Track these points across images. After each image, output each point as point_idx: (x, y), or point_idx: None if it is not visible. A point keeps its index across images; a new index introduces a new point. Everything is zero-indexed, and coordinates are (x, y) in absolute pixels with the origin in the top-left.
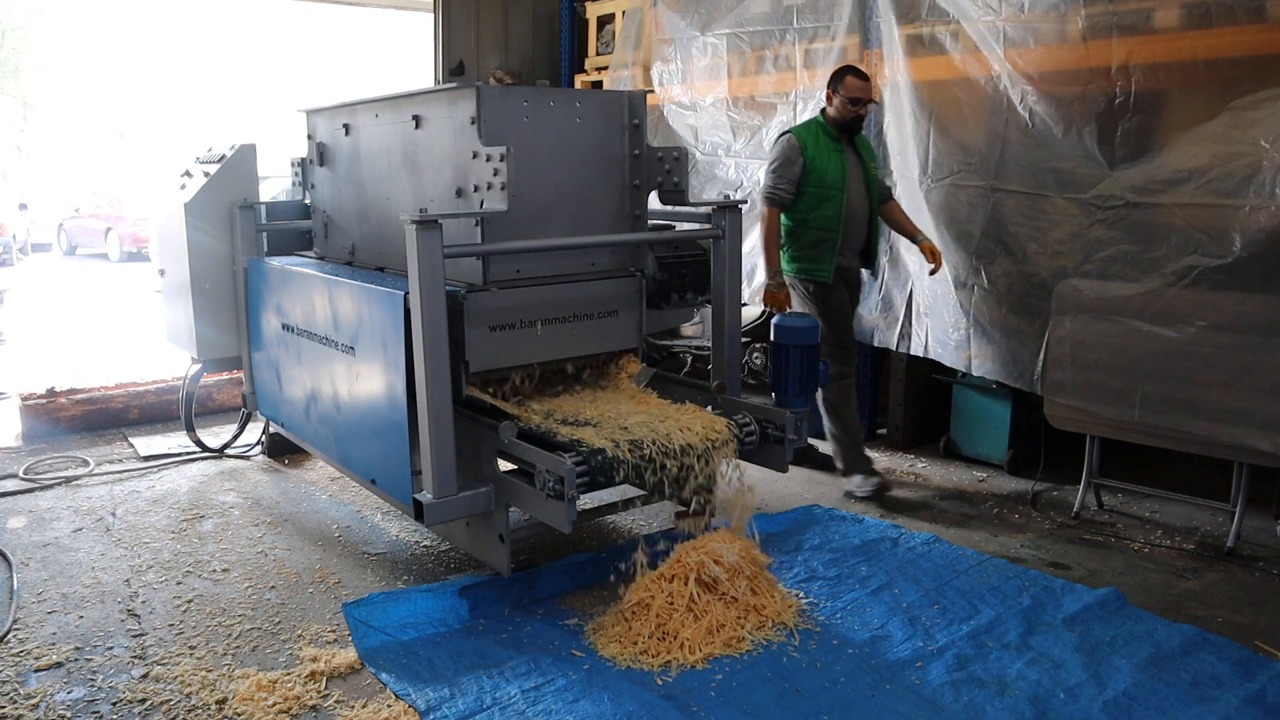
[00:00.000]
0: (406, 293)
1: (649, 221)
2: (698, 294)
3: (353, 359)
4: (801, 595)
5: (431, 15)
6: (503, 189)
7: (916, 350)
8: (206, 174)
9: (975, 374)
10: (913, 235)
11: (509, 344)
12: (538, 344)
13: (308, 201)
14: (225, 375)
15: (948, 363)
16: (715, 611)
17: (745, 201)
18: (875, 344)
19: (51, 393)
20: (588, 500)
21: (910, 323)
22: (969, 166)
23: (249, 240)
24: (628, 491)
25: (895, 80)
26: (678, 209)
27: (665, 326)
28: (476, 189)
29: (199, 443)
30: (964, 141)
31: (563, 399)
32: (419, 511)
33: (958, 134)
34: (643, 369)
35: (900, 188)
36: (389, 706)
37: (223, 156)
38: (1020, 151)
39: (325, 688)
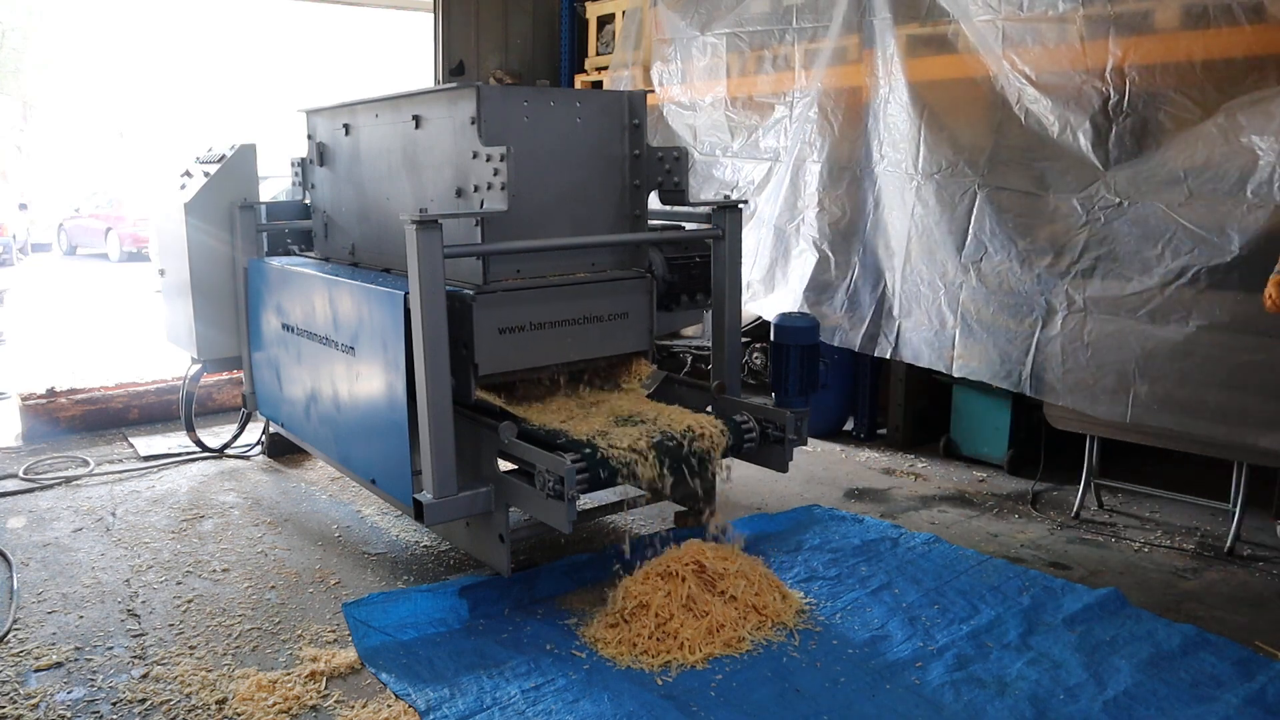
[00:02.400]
0: (406, 293)
1: (659, 223)
2: (708, 296)
3: (353, 359)
4: (802, 595)
5: (431, 15)
6: (503, 189)
7: (883, 353)
8: (206, 174)
9: (958, 375)
10: None
11: (519, 346)
12: (548, 346)
13: (308, 201)
14: (225, 375)
15: (924, 364)
16: (715, 611)
17: (745, 202)
18: (836, 344)
19: (51, 393)
20: (588, 500)
21: (879, 324)
22: (960, 163)
23: (249, 240)
24: (628, 491)
25: (892, 78)
26: (677, 209)
27: (675, 328)
28: (476, 189)
29: (199, 443)
30: (957, 139)
31: (572, 402)
32: (419, 511)
33: (951, 132)
34: (654, 371)
35: (890, 184)
36: (389, 706)
37: (223, 156)
38: (1013, 150)
39: (325, 688)
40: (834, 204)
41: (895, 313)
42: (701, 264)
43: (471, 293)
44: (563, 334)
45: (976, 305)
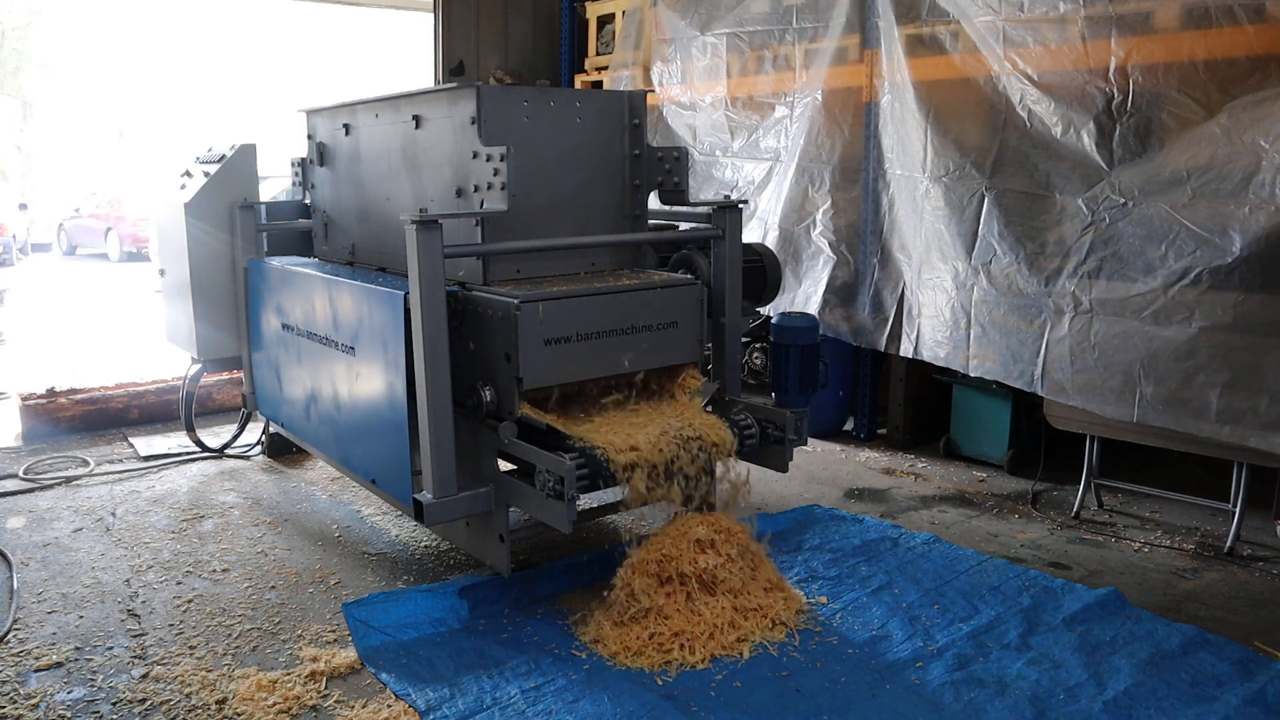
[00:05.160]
0: (406, 293)
1: (697, 225)
2: (755, 302)
3: (353, 359)
4: (802, 595)
5: (431, 15)
6: (503, 189)
7: (906, 352)
8: (206, 174)
9: (974, 374)
10: None
11: (564, 358)
12: (595, 358)
13: (308, 201)
14: (225, 375)
15: (943, 363)
16: (715, 611)
17: (745, 202)
18: (859, 345)
19: (51, 393)
20: (588, 500)
21: (901, 324)
22: (967, 165)
23: (249, 240)
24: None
25: (894, 79)
26: (677, 209)
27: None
28: (476, 189)
29: (199, 443)
30: (962, 140)
31: (616, 417)
32: (419, 511)
33: (956, 133)
34: (705, 383)
35: (898, 186)
36: (389, 706)
37: (223, 156)
38: (1018, 151)
39: (325, 688)
40: (849, 206)
41: (914, 313)
42: (750, 270)
43: (516, 301)
44: (611, 345)
45: (988, 306)
